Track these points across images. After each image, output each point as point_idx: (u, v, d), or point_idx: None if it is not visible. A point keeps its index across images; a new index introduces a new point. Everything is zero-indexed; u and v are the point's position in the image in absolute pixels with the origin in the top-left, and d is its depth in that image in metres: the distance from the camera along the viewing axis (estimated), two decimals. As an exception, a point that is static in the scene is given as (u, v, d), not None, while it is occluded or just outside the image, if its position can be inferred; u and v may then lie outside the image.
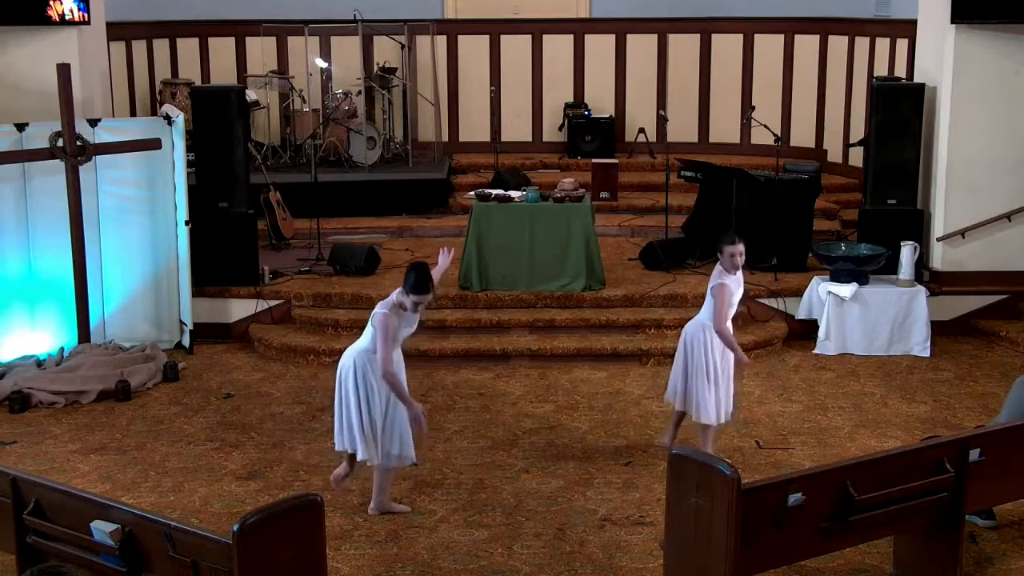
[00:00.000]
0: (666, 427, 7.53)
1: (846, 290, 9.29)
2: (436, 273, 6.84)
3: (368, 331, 6.36)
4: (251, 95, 12.39)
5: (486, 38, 13.59)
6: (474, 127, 13.54)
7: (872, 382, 8.78)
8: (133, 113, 12.65)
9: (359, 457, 6.42)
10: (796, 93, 13.24)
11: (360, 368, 6.33)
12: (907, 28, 11.02)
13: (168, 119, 9.43)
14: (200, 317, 9.61)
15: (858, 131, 12.15)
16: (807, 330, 9.59)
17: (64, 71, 8.77)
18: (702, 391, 6.98)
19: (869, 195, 10.03)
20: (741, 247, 6.89)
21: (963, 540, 5.73)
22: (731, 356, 7.05)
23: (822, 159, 12.75)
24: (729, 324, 7.00)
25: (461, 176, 12.76)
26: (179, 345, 9.54)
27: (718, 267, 6.98)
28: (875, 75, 11.74)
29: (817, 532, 5.24)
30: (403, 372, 6.48)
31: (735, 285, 6.97)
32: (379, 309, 6.31)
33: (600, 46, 13.59)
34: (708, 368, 6.96)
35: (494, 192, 10.00)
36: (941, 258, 9.99)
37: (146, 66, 13.10)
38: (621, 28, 13.57)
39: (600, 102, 13.53)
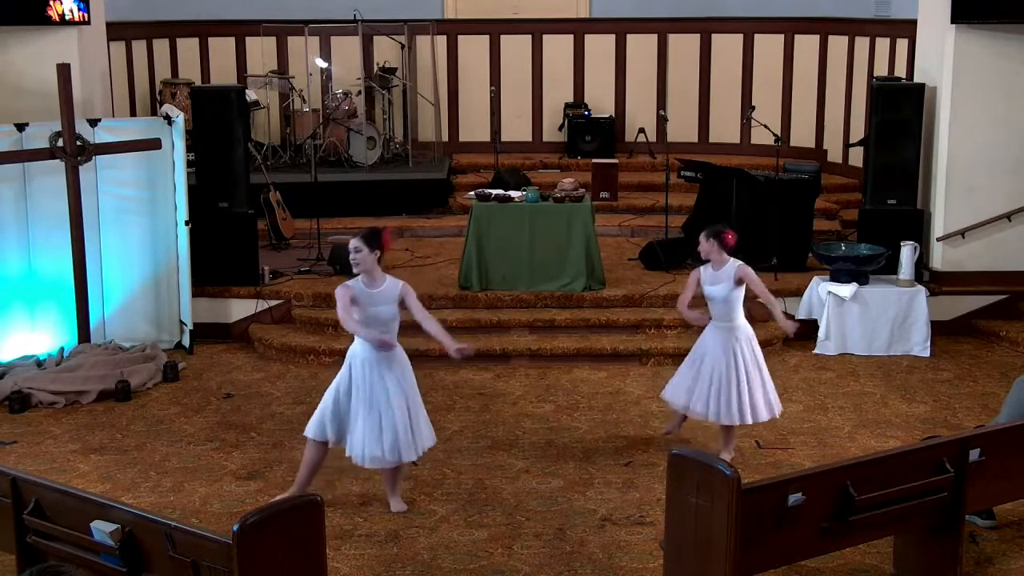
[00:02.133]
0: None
1: (846, 290, 9.29)
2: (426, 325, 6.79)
3: None
4: (251, 95, 12.39)
5: (486, 38, 13.59)
6: (474, 127, 13.53)
7: (872, 382, 8.78)
8: (133, 113, 12.64)
9: (355, 459, 6.43)
10: (796, 93, 13.23)
11: (359, 365, 6.37)
12: (907, 28, 11.02)
13: (168, 119, 9.43)
14: (200, 317, 9.61)
15: (858, 131, 12.14)
16: (807, 330, 9.56)
17: (64, 71, 8.76)
18: (737, 394, 7.03)
19: (869, 195, 10.03)
20: (701, 238, 7.03)
21: (963, 540, 5.72)
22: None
23: (822, 159, 12.74)
24: (683, 307, 7.13)
25: (461, 176, 12.75)
26: (179, 345, 9.55)
27: None
28: (875, 75, 11.73)
29: (817, 532, 5.23)
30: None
31: (704, 272, 7.04)
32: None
33: (600, 46, 13.58)
34: (730, 369, 7.00)
35: (494, 192, 10.00)
36: (941, 258, 9.98)
37: (146, 66, 13.10)
38: (621, 28, 13.57)
39: (600, 102, 13.53)
